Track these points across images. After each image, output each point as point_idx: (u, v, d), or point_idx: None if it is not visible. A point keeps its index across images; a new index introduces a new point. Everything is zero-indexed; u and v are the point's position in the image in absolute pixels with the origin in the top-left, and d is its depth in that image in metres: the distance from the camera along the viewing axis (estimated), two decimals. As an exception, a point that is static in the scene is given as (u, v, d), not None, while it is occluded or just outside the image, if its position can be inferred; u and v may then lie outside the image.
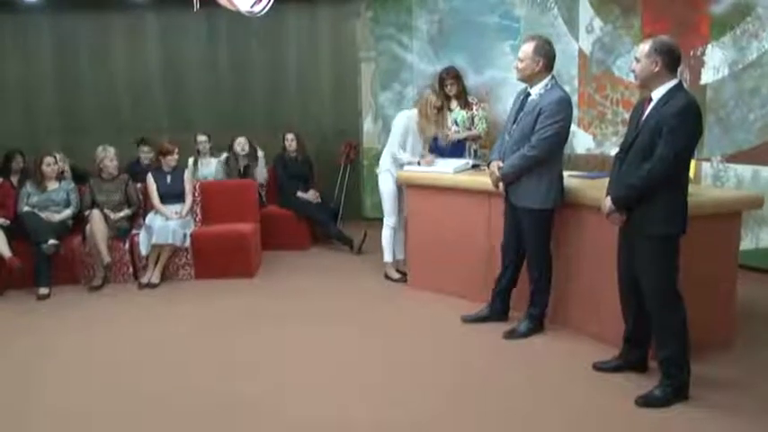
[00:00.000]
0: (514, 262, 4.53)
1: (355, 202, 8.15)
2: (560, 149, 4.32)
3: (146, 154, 7.07)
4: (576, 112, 6.50)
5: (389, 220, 5.73)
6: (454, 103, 6.39)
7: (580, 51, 6.51)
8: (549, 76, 4.21)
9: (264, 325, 4.88)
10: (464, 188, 5.02)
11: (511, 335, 4.45)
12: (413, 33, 7.57)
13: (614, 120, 6.39)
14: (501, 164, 4.31)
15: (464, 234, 5.05)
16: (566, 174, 4.54)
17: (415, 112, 5.63)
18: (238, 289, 5.76)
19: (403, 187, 5.63)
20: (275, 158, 7.25)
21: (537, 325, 4.49)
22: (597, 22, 6.38)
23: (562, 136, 4.20)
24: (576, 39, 6.51)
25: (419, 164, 5.46)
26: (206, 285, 5.87)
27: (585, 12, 6.43)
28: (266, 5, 5.02)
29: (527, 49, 4.18)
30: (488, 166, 4.54)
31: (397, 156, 5.55)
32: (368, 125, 8.06)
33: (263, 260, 6.52)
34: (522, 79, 4.29)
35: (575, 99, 6.51)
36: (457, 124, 6.35)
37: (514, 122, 4.30)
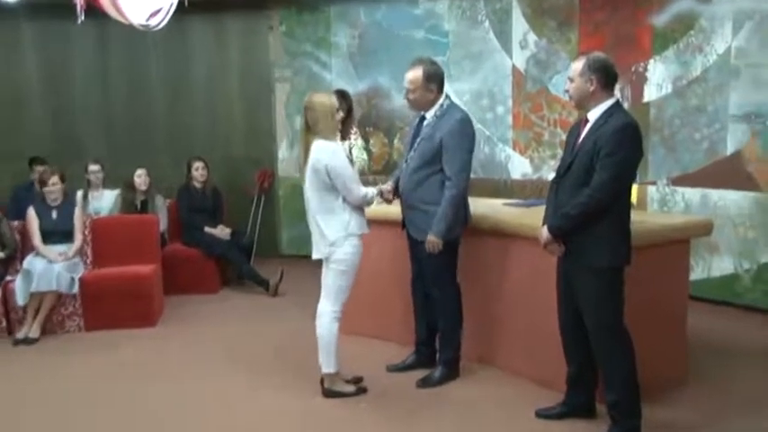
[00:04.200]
0: (425, 301, 4.52)
1: (271, 238, 8.09)
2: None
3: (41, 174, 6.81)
4: (510, 134, 6.69)
5: (338, 304, 4.25)
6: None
7: (514, 68, 6.67)
8: (443, 96, 4.26)
9: (166, 381, 4.73)
10: (379, 220, 4.87)
11: (424, 383, 4.41)
12: (331, 50, 7.62)
13: (552, 142, 6.56)
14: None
15: (384, 270, 5.00)
16: (500, 201, 4.59)
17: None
18: (137, 340, 5.59)
19: None
20: (179, 190, 7.11)
21: (452, 370, 4.47)
22: (531, 37, 6.56)
23: (470, 159, 4.24)
24: (510, 55, 6.67)
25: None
26: (98, 338, 5.68)
27: (519, 25, 6.61)
28: (163, 19, 4.95)
29: (416, 75, 4.17)
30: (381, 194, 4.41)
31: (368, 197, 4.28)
32: (283, 152, 8.04)
33: (166, 306, 6.36)
34: (419, 109, 4.32)
35: (509, 120, 6.68)
36: None
37: (411, 149, 4.32)
